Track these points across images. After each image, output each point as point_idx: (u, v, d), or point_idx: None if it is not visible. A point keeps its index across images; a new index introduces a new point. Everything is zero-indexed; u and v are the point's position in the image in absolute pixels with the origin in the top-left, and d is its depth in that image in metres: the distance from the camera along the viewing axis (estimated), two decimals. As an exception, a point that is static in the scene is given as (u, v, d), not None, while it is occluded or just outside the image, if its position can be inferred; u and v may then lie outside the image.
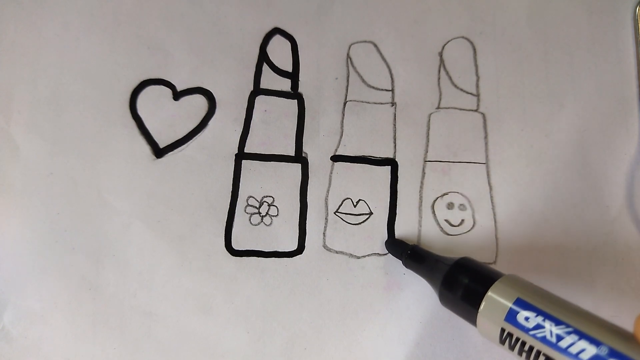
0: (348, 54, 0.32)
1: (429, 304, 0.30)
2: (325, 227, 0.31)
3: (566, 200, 0.31)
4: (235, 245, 0.30)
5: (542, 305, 0.22)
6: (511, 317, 0.22)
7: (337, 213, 0.31)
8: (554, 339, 0.21)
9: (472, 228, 0.31)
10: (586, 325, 0.20)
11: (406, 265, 0.29)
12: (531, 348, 0.21)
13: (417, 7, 0.33)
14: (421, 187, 0.31)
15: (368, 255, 0.31)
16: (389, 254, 0.30)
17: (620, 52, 0.33)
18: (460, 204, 0.31)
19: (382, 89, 0.32)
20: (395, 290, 0.30)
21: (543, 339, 0.21)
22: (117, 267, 0.30)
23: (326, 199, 0.31)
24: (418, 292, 0.30)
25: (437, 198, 0.31)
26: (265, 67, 0.32)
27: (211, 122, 0.31)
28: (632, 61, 0.33)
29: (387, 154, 0.32)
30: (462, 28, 0.33)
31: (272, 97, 0.32)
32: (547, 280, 0.30)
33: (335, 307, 0.30)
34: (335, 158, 0.31)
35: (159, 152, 0.31)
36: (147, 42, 0.31)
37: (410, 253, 0.28)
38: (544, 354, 0.21)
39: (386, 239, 0.30)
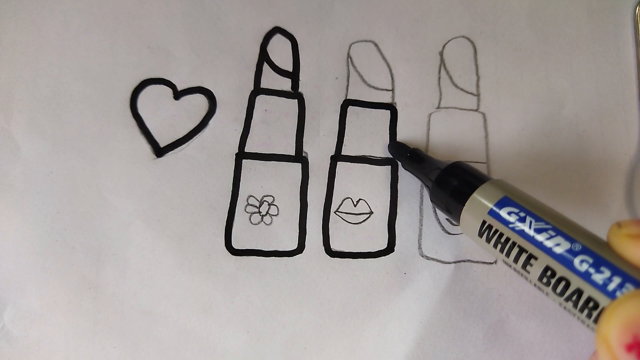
0: (348, 54, 0.32)
1: (429, 304, 0.30)
2: (325, 227, 0.31)
3: (566, 200, 0.31)
4: (235, 245, 0.30)
5: (526, 204, 0.23)
6: (494, 212, 0.24)
7: (337, 212, 0.31)
8: (531, 232, 0.22)
9: (472, 227, 0.31)
10: (564, 225, 0.22)
11: (404, 166, 0.31)
12: (507, 239, 0.23)
13: (417, 6, 0.33)
14: (422, 186, 0.31)
15: (368, 254, 0.31)
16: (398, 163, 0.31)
17: (620, 52, 0.33)
18: (461, 203, 0.31)
19: (382, 89, 0.32)
20: (395, 290, 0.30)
21: (521, 232, 0.22)
22: (117, 266, 0.29)
23: (326, 199, 0.31)
24: (418, 292, 0.30)
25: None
26: (265, 66, 0.32)
27: (212, 122, 0.31)
28: (632, 61, 0.33)
29: (387, 153, 0.32)
30: (463, 28, 0.33)
31: (273, 96, 0.32)
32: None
33: (335, 306, 0.30)
34: (336, 158, 0.31)
35: (159, 151, 0.31)
36: (147, 41, 0.31)
37: (409, 155, 0.30)
38: (518, 245, 0.22)
39: (389, 142, 0.32)
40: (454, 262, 0.31)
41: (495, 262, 0.31)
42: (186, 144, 0.31)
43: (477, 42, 0.33)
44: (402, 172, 0.31)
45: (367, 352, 0.30)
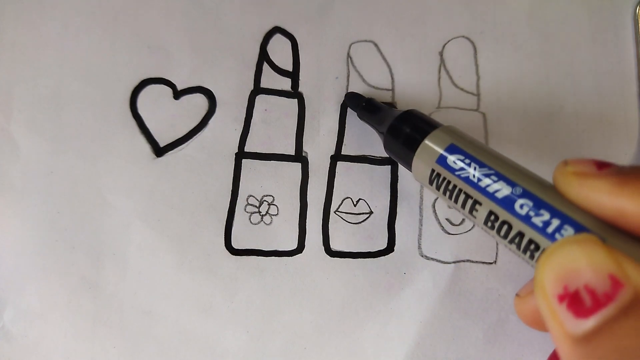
0: (348, 53, 0.32)
1: (429, 303, 0.30)
2: (325, 227, 0.31)
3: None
4: (235, 245, 0.30)
5: (472, 151, 0.24)
6: (442, 160, 0.24)
7: (337, 212, 0.31)
8: (475, 179, 0.23)
9: (472, 227, 0.31)
10: (507, 170, 0.22)
11: (360, 116, 0.30)
12: (454, 187, 0.24)
13: (417, 6, 0.33)
14: (422, 186, 0.31)
15: (368, 254, 0.31)
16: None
17: (620, 52, 0.33)
18: (461, 203, 0.31)
19: (382, 89, 0.32)
20: (395, 290, 0.30)
21: (466, 179, 0.23)
22: (117, 265, 0.29)
23: (326, 198, 0.31)
24: (418, 292, 0.30)
25: (438, 197, 0.31)
26: (265, 66, 0.32)
27: (211, 121, 0.31)
28: (632, 61, 0.33)
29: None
30: (463, 27, 0.33)
31: (273, 96, 0.32)
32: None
33: (335, 306, 0.30)
34: (336, 157, 0.31)
35: (159, 151, 0.31)
36: (147, 41, 0.31)
37: (365, 105, 0.30)
38: (464, 192, 0.23)
39: (346, 92, 0.32)
40: (454, 262, 0.31)
41: (495, 262, 0.31)
42: (186, 143, 0.31)
43: (477, 42, 0.33)
44: (402, 172, 0.31)
45: (367, 352, 0.30)
